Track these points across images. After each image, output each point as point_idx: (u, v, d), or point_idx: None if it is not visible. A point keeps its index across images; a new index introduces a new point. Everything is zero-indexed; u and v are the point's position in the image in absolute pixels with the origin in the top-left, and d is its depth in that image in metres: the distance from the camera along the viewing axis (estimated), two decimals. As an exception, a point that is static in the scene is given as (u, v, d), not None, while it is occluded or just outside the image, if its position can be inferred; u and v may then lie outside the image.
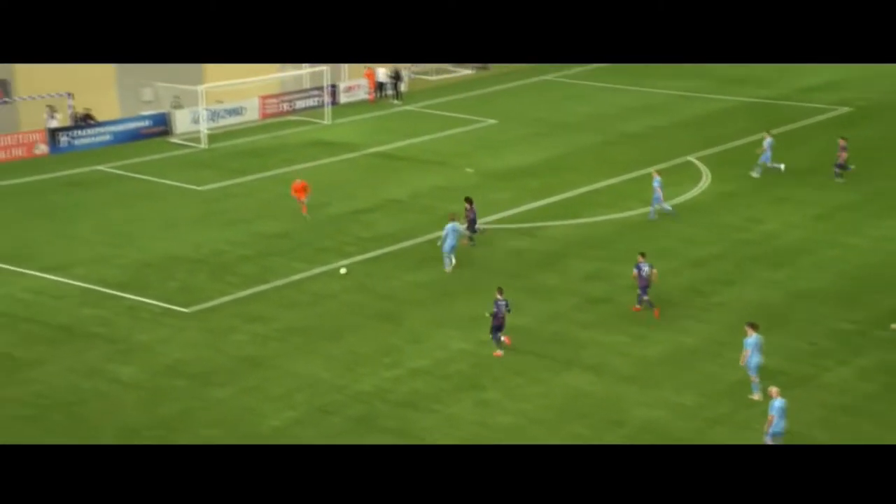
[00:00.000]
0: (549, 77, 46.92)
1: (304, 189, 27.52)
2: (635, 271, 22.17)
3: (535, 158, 34.33)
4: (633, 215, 28.77)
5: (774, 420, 16.78)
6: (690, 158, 33.96)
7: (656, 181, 28.09)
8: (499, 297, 20.50)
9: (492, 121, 39.35)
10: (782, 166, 31.78)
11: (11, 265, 24.28)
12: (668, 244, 26.67)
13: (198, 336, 21.10)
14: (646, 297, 22.12)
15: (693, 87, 44.77)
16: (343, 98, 41.52)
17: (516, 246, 26.49)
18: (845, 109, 40.27)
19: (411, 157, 34.44)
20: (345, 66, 41.86)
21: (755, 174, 31.75)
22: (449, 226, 24.29)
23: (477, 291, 23.44)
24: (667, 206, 28.21)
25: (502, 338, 20.50)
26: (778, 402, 16.88)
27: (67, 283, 23.33)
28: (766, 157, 31.76)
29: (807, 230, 27.57)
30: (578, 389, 19.28)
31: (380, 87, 42.58)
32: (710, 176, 32.17)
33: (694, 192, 30.85)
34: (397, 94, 42.46)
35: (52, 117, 34.40)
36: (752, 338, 18.84)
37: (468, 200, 26.05)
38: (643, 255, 22.45)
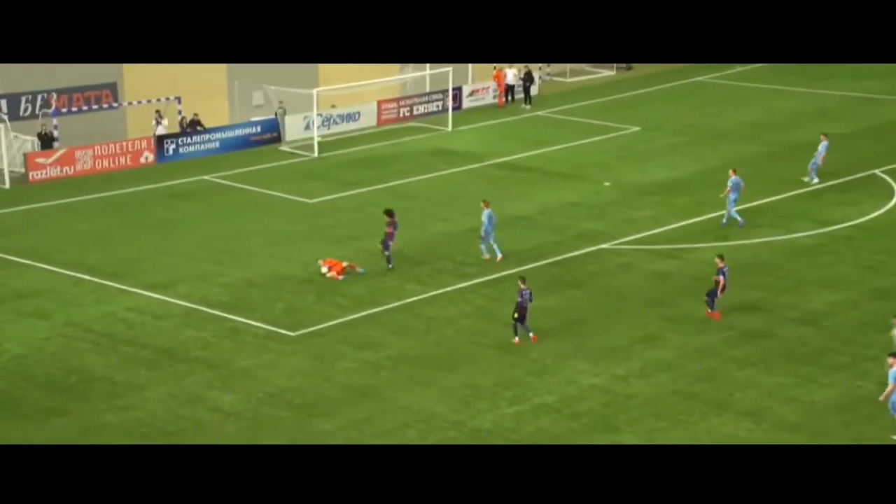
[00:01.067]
0: (701, 78, 45.91)
1: (336, 265, 25.31)
2: (721, 278, 22.63)
3: (684, 171, 33.59)
4: (801, 237, 27.69)
5: None
6: (876, 172, 32.42)
7: (732, 181, 27.80)
8: (522, 286, 21.81)
9: (634, 128, 38.78)
10: (816, 179, 31.05)
11: (114, 282, 25.56)
12: (844, 271, 25.53)
13: (303, 362, 21.58)
14: (707, 299, 22.77)
15: (879, 88, 42.80)
16: (467, 102, 41.88)
17: (659, 269, 25.92)
18: None
19: (541, 168, 34.33)
20: (470, 68, 42.26)
21: (807, 179, 31.27)
22: (485, 213, 25.68)
23: (612, 320, 23.03)
24: (737, 216, 27.96)
25: (530, 334, 21.80)
26: None
27: (170, 302, 24.37)
28: (814, 161, 31.08)
29: None
30: (732, 437, 18.61)
31: (509, 89, 42.75)
32: (898, 193, 30.75)
33: (879, 211, 29.44)
34: (527, 98, 42.49)
35: (159, 123, 36.17)
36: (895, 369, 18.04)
37: (389, 213, 25.72)
38: (721, 257, 22.95)
